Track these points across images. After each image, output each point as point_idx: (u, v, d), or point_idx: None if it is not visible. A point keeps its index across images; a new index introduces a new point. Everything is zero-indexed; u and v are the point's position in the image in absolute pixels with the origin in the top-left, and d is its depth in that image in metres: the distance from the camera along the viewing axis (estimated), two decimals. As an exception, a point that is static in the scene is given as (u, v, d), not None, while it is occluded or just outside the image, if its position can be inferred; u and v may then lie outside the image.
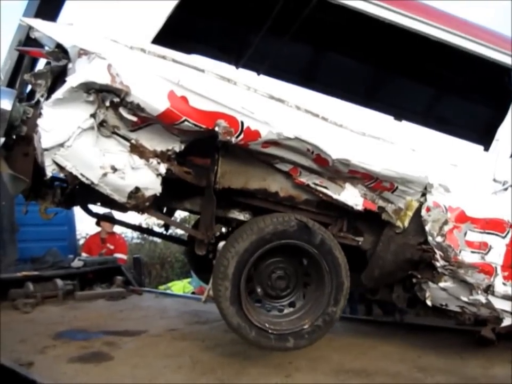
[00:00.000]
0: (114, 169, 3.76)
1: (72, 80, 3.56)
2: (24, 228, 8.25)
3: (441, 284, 4.56)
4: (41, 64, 4.34)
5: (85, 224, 11.11)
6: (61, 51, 3.82)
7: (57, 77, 3.91)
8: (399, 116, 6.12)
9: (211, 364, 4.37)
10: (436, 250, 4.41)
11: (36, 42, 4.05)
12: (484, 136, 5.13)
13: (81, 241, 10.85)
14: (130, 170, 3.81)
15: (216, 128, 3.78)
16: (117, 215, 5.35)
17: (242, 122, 3.83)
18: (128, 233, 13.60)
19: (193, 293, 9.49)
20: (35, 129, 3.74)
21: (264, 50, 5.11)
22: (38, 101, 3.91)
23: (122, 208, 4.40)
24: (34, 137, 3.78)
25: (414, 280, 4.65)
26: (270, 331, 4.13)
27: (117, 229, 9.82)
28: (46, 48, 4.01)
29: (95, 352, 4.61)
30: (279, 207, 4.39)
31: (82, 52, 3.65)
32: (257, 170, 4.24)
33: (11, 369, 3.82)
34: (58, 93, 3.57)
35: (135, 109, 3.65)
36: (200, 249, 4.32)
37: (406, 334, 5.91)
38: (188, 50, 4.04)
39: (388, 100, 6.10)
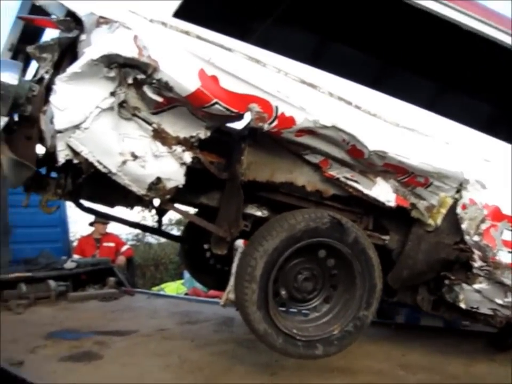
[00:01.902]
0: (134, 157, 2.97)
1: (92, 52, 2.75)
2: (17, 229, 7.43)
3: (476, 286, 3.82)
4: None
5: (78, 226, 10.53)
6: (72, 20, 3.00)
7: (65, 50, 3.08)
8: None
9: (199, 363, 3.90)
10: (474, 250, 3.69)
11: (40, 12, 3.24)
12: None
13: (75, 243, 10.07)
14: (152, 158, 3.03)
15: (249, 113, 3.03)
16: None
17: (276, 108, 3.07)
18: (123, 235, 12.56)
19: (186, 294, 8.76)
20: (41, 109, 2.96)
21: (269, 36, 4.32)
22: (42, 78, 3.08)
23: (111, 203, 3.75)
24: (41, 118, 2.97)
25: (447, 282, 3.89)
26: (298, 337, 3.35)
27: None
28: (53, 17, 3.16)
29: (85, 352, 4.15)
30: (302, 202, 3.60)
31: (103, 21, 2.85)
32: (284, 162, 3.45)
33: (1, 368, 3.53)
34: (75, 66, 2.76)
35: (162, 88, 2.87)
36: (220, 248, 3.49)
37: (392, 334, 5.38)
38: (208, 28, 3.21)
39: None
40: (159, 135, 3.03)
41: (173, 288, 9.34)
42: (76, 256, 8.13)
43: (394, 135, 3.45)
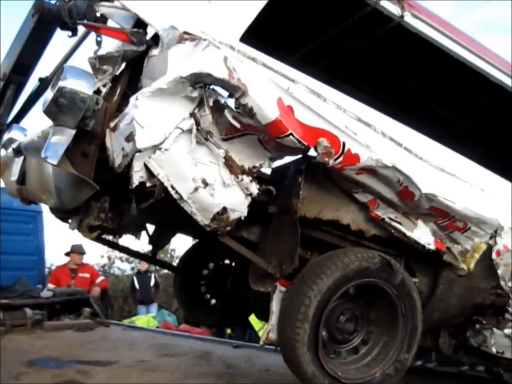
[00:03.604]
0: (205, 184, 2.63)
1: (181, 69, 2.41)
2: None
3: (507, 331, 3.67)
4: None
5: (52, 255, 10.22)
6: (144, 33, 2.68)
7: (126, 64, 2.76)
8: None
9: None
10: (511, 295, 3.52)
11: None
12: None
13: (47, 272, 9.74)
14: (220, 187, 2.69)
15: (317, 148, 2.74)
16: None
17: (344, 144, 2.81)
18: (92, 267, 12.30)
19: (157, 327, 8.27)
20: (106, 125, 2.61)
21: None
22: (99, 91, 2.69)
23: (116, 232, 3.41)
24: (108, 134, 2.60)
25: (478, 326, 3.68)
26: (342, 380, 2.99)
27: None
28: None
29: (69, 380, 3.91)
30: (341, 241, 3.31)
31: (187, 37, 2.52)
32: (332, 199, 3.15)
33: None
34: (161, 82, 2.41)
35: (245, 113, 2.55)
36: (264, 285, 3.09)
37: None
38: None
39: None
40: (227, 163, 2.70)
41: (143, 321, 8.84)
42: (50, 285, 7.62)
43: (440, 179, 3.24)
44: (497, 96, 3.89)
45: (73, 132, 2.55)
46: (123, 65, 2.83)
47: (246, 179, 2.75)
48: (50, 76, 6.05)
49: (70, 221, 3.43)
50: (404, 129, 3.26)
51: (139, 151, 2.43)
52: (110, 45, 2.96)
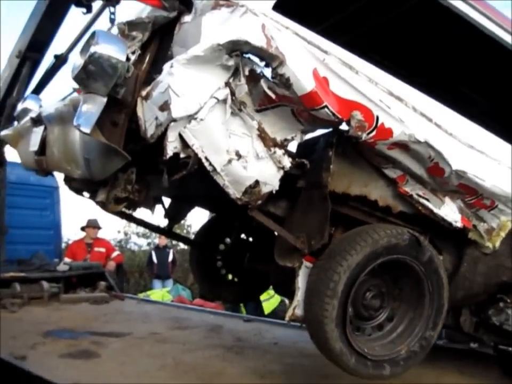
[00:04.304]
0: (238, 156, 2.47)
1: (218, 36, 2.25)
2: (11, 230, 6.92)
3: None
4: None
5: (68, 230, 10.23)
6: None
7: (156, 31, 2.60)
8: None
9: (192, 365, 3.72)
10: None
11: None
12: None
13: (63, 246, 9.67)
14: (253, 159, 2.53)
15: (350, 121, 2.57)
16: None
17: (377, 117, 2.63)
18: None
19: (172, 301, 8.22)
20: (137, 93, 2.45)
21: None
22: (128, 58, 2.53)
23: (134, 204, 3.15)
24: (140, 103, 2.44)
25: (501, 304, 3.55)
26: (369, 357, 2.87)
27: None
28: None
29: (84, 350, 3.97)
30: (367, 217, 3.16)
31: (223, 3, 2.35)
32: (361, 174, 2.99)
33: (6, 361, 3.43)
34: (197, 49, 2.24)
35: (281, 84, 2.39)
36: (291, 260, 2.93)
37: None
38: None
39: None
40: (260, 135, 2.55)
41: (158, 295, 8.85)
42: (66, 259, 7.59)
43: (470, 156, 3.07)
44: None
45: (104, 99, 2.39)
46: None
47: (279, 152, 2.59)
48: (65, 53, 6.02)
49: (84, 193, 3.41)
50: (432, 104, 3.06)
51: (174, 120, 2.27)
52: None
